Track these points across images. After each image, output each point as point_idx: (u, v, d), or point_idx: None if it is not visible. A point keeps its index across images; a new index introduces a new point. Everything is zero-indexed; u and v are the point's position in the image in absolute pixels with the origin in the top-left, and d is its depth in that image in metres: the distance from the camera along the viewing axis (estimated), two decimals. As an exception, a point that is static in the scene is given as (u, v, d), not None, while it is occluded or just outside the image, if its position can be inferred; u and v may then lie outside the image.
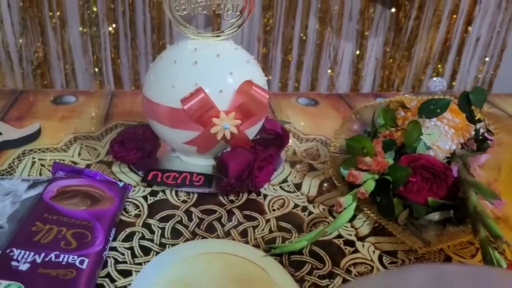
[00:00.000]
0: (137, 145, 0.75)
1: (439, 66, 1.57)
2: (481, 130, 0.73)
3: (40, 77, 1.42)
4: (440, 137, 0.75)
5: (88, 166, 0.78)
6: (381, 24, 1.49)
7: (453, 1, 1.48)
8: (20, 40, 1.36)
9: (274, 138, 0.80)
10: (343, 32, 1.49)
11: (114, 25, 1.36)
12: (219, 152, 0.75)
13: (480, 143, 0.71)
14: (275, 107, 1.05)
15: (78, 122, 0.90)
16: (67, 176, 0.69)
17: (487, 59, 1.58)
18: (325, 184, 0.78)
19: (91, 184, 0.68)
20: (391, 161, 0.71)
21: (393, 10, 1.46)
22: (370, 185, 0.68)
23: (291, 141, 0.89)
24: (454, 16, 1.50)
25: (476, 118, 0.71)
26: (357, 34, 1.50)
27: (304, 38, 1.47)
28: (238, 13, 0.72)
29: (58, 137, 0.85)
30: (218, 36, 0.73)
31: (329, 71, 1.53)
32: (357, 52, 1.53)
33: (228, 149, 0.74)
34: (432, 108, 0.70)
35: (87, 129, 0.88)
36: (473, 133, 0.74)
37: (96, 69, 1.43)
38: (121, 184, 0.70)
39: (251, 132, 0.76)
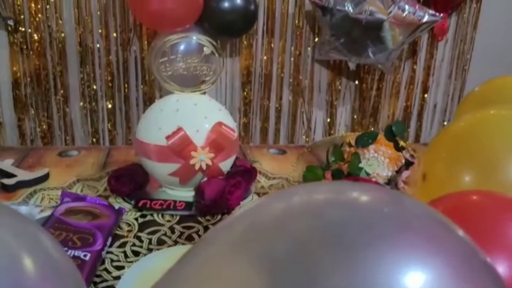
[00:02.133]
0: (130, 179, 0.96)
1: (403, 130, 1.82)
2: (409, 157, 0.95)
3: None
4: (379, 167, 0.97)
5: (88, 200, 0.98)
6: (347, 94, 1.77)
7: (409, 73, 1.77)
8: (26, 119, 1.60)
9: (245, 172, 1.01)
10: (314, 102, 1.76)
11: (111, 100, 1.63)
12: (198, 183, 0.96)
13: (407, 166, 0.93)
14: (248, 155, 1.27)
15: (80, 169, 1.12)
16: (73, 200, 0.89)
17: (445, 123, 1.84)
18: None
19: (92, 206, 0.88)
20: (337, 184, 0.92)
21: (356, 82, 1.75)
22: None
23: (260, 178, 1.10)
24: (411, 86, 1.78)
25: (400, 145, 0.93)
26: (327, 104, 1.77)
27: (279, 108, 1.74)
28: (211, 73, 0.98)
29: (63, 179, 1.06)
30: (195, 91, 0.98)
31: (304, 136, 1.78)
32: (328, 120, 1.78)
33: (205, 179, 0.95)
34: (365, 139, 0.93)
35: (88, 173, 1.09)
36: (403, 161, 0.96)
37: (94, 140, 1.67)
38: (116, 207, 0.90)
39: (224, 165, 0.97)
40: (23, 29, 1.51)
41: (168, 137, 0.90)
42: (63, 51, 1.56)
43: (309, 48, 1.67)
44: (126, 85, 1.64)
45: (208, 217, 0.92)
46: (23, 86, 1.58)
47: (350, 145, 1.03)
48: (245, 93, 1.71)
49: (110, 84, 1.62)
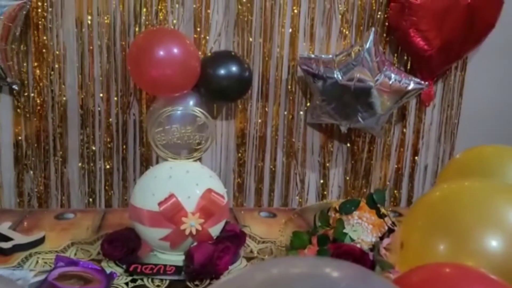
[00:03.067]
0: (122, 244, 1.01)
1: (395, 191, 1.87)
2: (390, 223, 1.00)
3: (38, 206, 1.68)
4: (363, 233, 1.02)
5: (81, 263, 1.02)
6: (340, 156, 1.84)
7: (399, 136, 1.84)
8: (25, 179, 1.66)
9: (234, 237, 1.05)
10: (307, 164, 1.82)
11: (109, 161, 1.69)
12: (188, 247, 1.01)
13: (389, 232, 0.97)
14: (239, 219, 1.32)
15: (75, 232, 1.17)
16: (66, 265, 0.93)
17: (437, 184, 1.89)
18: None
19: (85, 270, 0.92)
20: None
21: (348, 144, 1.82)
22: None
23: (249, 241, 1.14)
24: (402, 149, 1.85)
25: (382, 213, 0.98)
26: (320, 166, 1.83)
27: (273, 169, 1.80)
28: (203, 141, 1.04)
29: (58, 243, 1.10)
30: (188, 158, 1.04)
31: (297, 197, 1.82)
32: (321, 181, 1.84)
33: (195, 244, 1.00)
34: (348, 207, 0.98)
35: (83, 237, 1.14)
36: (386, 227, 1.01)
37: (90, 200, 1.72)
38: (108, 271, 0.94)
39: (214, 230, 1.02)
40: (26, 94, 1.60)
41: (160, 203, 0.95)
42: (64, 114, 1.64)
43: (301, 112, 1.76)
44: (124, 147, 1.70)
45: (197, 282, 0.96)
46: (24, 147, 1.64)
47: (336, 210, 1.08)
48: (239, 154, 1.77)
49: (109, 146, 1.69)
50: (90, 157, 1.70)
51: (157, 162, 1.71)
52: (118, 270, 0.99)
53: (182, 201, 0.96)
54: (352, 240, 0.99)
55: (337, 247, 0.95)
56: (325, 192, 1.85)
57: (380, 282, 0.50)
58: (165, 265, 0.99)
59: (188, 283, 0.96)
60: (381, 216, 0.99)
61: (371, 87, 1.56)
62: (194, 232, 0.96)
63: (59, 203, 1.71)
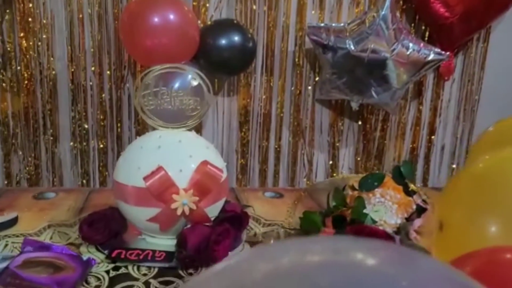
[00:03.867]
0: (105, 225, 0.83)
1: (409, 173, 1.69)
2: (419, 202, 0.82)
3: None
4: (386, 213, 0.84)
5: (58, 249, 0.85)
6: (350, 136, 1.66)
7: (415, 114, 1.66)
8: (13, 159, 1.49)
9: (234, 218, 0.88)
10: (315, 144, 1.64)
11: (103, 140, 1.52)
12: (180, 230, 0.83)
13: (419, 213, 0.80)
14: (242, 199, 1.14)
15: (54, 213, 1.00)
16: (35, 250, 0.76)
17: (454, 166, 1.71)
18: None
19: (56, 256, 0.75)
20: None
21: (359, 122, 1.64)
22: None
23: (253, 224, 0.96)
24: (417, 127, 1.67)
25: (411, 189, 0.80)
26: (329, 145, 1.65)
27: (278, 149, 1.62)
28: (199, 107, 0.87)
29: (33, 225, 0.93)
30: (181, 126, 0.86)
31: (305, 179, 1.65)
32: (330, 162, 1.66)
33: (189, 226, 0.82)
34: (369, 182, 0.80)
35: (61, 218, 0.97)
36: (414, 207, 0.83)
37: (84, 181, 1.55)
38: (86, 257, 0.77)
39: (212, 210, 0.84)
40: (13, 67, 1.43)
41: (146, 178, 0.78)
42: (53, 89, 1.47)
43: (309, 87, 1.57)
44: (118, 124, 1.53)
45: (190, 270, 0.78)
46: (11, 126, 1.48)
47: (353, 188, 0.90)
48: (242, 133, 1.60)
49: (102, 123, 1.52)
50: (83, 135, 1.53)
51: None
52: (99, 256, 0.82)
53: (173, 176, 0.79)
54: (374, 222, 0.81)
55: (357, 230, 0.77)
56: (334, 174, 1.67)
57: (434, 265, 0.33)
58: (154, 251, 0.81)
59: (180, 271, 0.78)
60: (409, 193, 0.81)
61: (386, 58, 1.38)
62: (187, 212, 0.79)
63: (50, 185, 1.55)
